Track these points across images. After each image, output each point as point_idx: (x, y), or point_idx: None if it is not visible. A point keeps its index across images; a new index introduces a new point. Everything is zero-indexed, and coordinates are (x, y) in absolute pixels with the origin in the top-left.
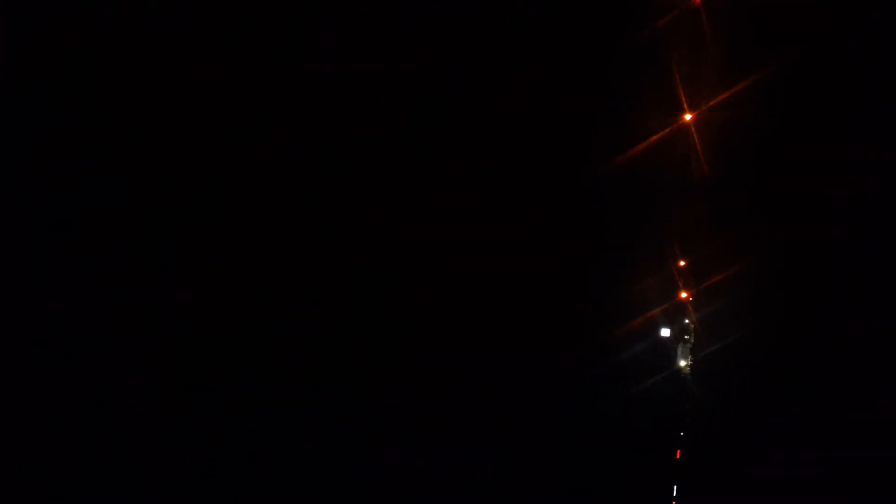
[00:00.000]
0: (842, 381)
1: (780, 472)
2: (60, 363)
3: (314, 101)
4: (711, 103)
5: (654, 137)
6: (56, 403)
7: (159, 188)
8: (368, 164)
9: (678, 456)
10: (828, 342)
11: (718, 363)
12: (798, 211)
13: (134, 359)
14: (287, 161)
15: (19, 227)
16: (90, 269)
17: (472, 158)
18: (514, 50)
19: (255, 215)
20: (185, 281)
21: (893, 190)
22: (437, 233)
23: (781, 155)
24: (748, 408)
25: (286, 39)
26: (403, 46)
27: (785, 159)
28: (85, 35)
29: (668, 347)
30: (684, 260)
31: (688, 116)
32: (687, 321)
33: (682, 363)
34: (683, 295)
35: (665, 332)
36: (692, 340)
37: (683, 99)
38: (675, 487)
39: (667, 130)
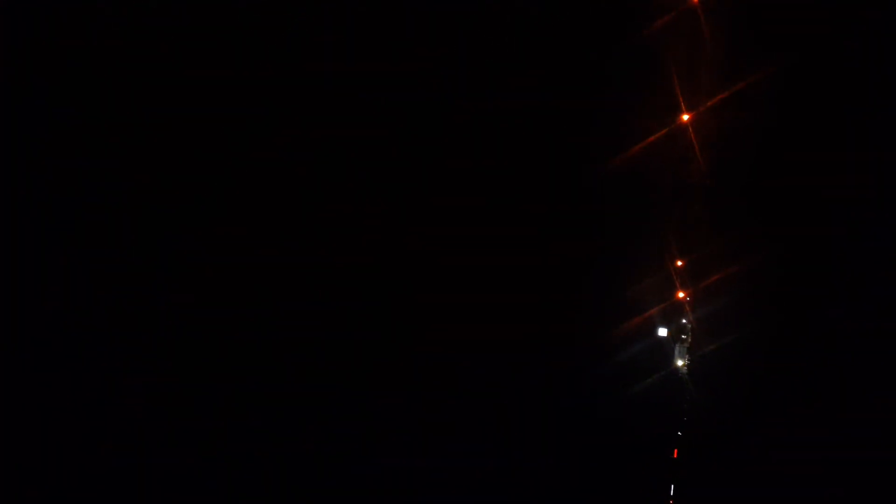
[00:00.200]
0: (840, 381)
1: (778, 471)
2: (60, 363)
3: (314, 101)
4: (709, 104)
5: (653, 138)
6: (56, 403)
7: (159, 188)
8: (368, 164)
9: (675, 455)
10: (826, 342)
11: (716, 363)
12: (796, 211)
13: (134, 359)
14: (287, 161)
15: (19, 227)
16: (90, 269)
17: (472, 158)
18: (514, 50)
19: (256, 215)
20: (185, 281)
21: (892, 190)
22: (437, 233)
23: (779, 155)
24: (746, 407)
25: (286, 39)
26: (403, 46)
27: (783, 159)
28: (85, 35)
29: (666, 347)
30: (682, 260)
31: (686, 117)
32: (684, 321)
33: (680, 363)
34: (681, 295)
35: (662, 332)
36: (689, 340)
37: (681, 99)
38: (673, 487)
39: (665, 131)
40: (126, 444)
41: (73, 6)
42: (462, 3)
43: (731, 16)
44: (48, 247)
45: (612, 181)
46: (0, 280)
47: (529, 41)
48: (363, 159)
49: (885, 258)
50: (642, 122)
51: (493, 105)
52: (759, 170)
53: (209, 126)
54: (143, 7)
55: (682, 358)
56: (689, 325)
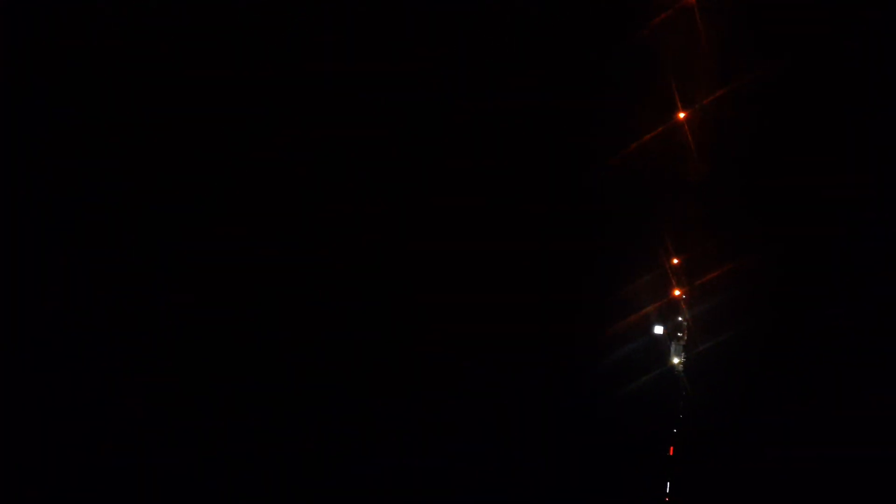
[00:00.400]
0: (838, 379)
1: (775, 469)
2: (60, 363)
3: (314, 101)
4: (705, 103)
5: (650, 136)
6: (56, 403)
7: (159, 188)
8: (368, 164)
9: (671, 453)
10: (823, 340)
11: (712, 361)
12: (793, 210)
13: (134, 359)
14: (287, 161)
15: (19, 227)
16: (90, 269)
17: (472, 158)
18: (514, 50)
19: (255, 215)
20: (185, 281)
21: (890, 190)
22: (437, 233)
23: (776, 154)
24: (742, 405)
25: (286, 39)
26: (403, 46)
27: (780, 159)
28: (85, 35)
29: (662, 345)
30: (678, 258)
31: (682, 115)
32: (680, 318)
33: (676, 361)
34: (677, 293)
35: (658, 330)
36: (685, 338)
37: (678, 98)
38: (669, 484)
39: (662, 129)
40: (126, 444)
41: (73, 6)
42: (462, 3)
43: (728, 14)
44: (48, 247)
45: (610, 180)
46: (0, 280)
47: (529, 41)
48: (363, 159)
49: (884, 257)
50: (638, 122)
51: (493, 105)
52: (756, 169)
53: (209, 126)
54: (143, 7)
55: (677, 356)
56: (685, 323)
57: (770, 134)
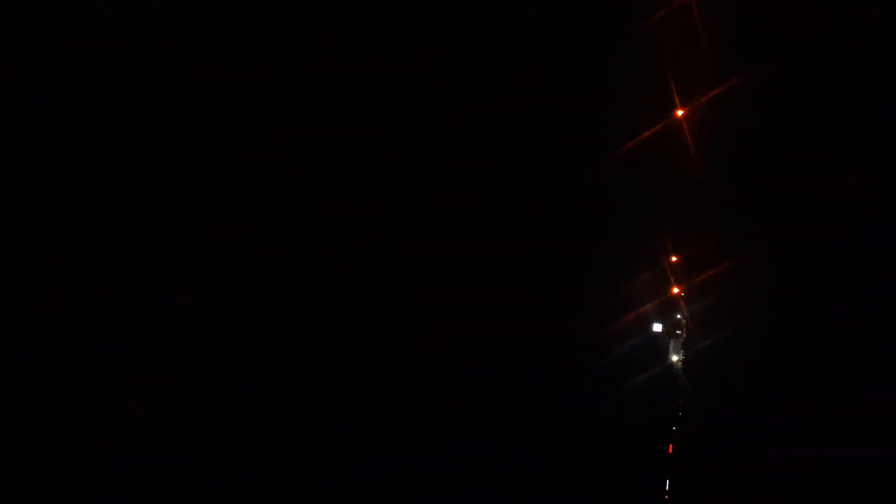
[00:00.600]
0: (837, 378)
1: (773, 468)
2: (60, 363)
3: (314, 101)
4: (704, 101)
5: (649, 135)
6: (56, 403)
7: (159, 188)
8: (368, 164)
9: (670, 451)
10: (822, 339)
11: (711, 359)
12: (791, 209)
13: (134, 359)
14: (287, 161)
15: (19, 227)
16: (90, 269)
17: (472, 158)
18: (514, 50)
19: (256, 215)
20: (185, 281)
21: (888, 189)
22: (437, 233)
23: (774, 153)
24: (742, 404)
25: (286, 39)
26: (403, 46)
27: (778, 157)
28: (85, 35)
29: (661, 343)
30: (677, 256)
31: (680, 114)
32: (679, 316)
33: (675, 358)
34: (675, 291)
35: (657, 328)
36: (684, 336)
37: (676, 97)
38: (668, 483)
39: (660, 128)
40: (126, 444)
41: (73, 6)
42: (462, 3)
43: (726, 13)
44: (48, 247)
45: (609, 179)
46: (0, 280)
47: (529, 41)
48: (363, 159)
49: (882, 256)
50: (636, 120)
51: (492, 105)
52: (753, 167)
53: (209, 126)
54: (143, 7)
55: (676, 354)
56: (684, 321)
57: (769, 133)
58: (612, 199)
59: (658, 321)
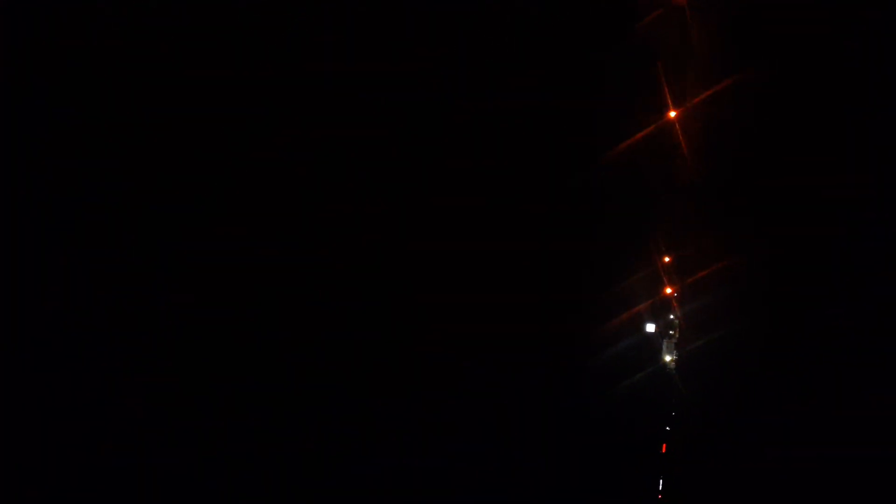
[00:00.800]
0: (831, 377)
1: (769, 467)
2: (60, 363)
3: (314, 101)
4: (700, 102)
5: (646, 136)
6: (56, 403)
7: (159, 188)
8: (368, 164)
9: (664, 450)
10: (818, 338)
11: (704, 359)
12: (787, 209)
13: (134, 359)
14: (287, 161)
15: (19, 227)
16: (90, 269)
17: (472, 158)
18: (514, 50)
19: (256, 215)
20: (185, 281)
21: (885, 188)
22: (437, 233)
23: (769, 154)
24: (735, 404)
25: (286, 39)
26: (403, 46)
27: (773, 158)
28: (85, 35)
29: (654, 343)
30: (671, 256)
31: (673, 114)
32: (672, 316)
33: (668, 358)
34: (668, 291)
35: (651, 328)
36: (677, 336)
37: (670, 99)
38: (661, 481)
39: (657, 129)
40: (126, 444)
41: (73, 6)
42: (462, 3)
43: (722, 15)
44: (48, 247)
45: (607, 180)
46: (0, 280)
47: (529, 42)
48: (363, 159)
49: (880, 256)
50: (632, 122)
51: (492, 105)
52: (747, 168)
53: (209, 126)
54: (143, 7)
55: (669, 354)
56: (677, 322)
57: (766, 134)
58: (608, 200)
59: (652, 321)
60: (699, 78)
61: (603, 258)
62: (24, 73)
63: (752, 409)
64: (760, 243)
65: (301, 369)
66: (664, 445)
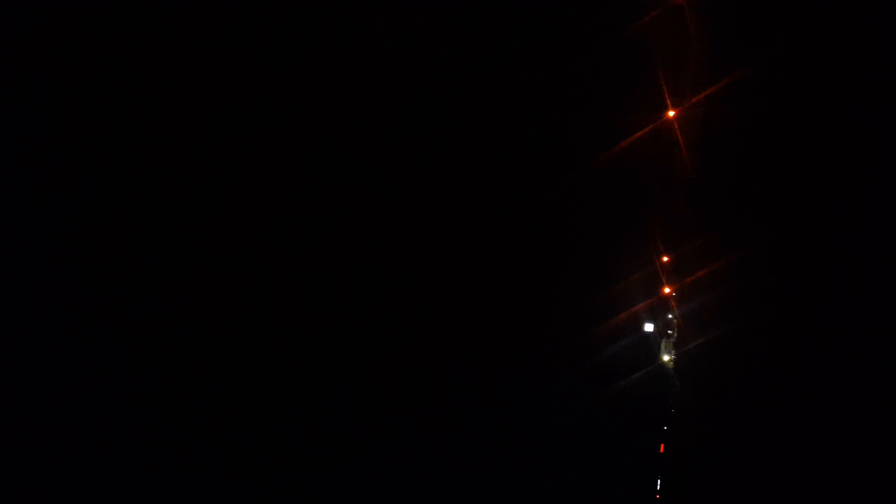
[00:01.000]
0: (827, 376)
1: (765, 466)
2: (60, 363)
3: (314, 100)
4: (697, 102)
5: (638, 135)
6: (56, 403)
7: (159, 188)
8: (368, 163)
9: (662, 450)
10: (815, 337)
11: (703, 358)
12: (783, 207)
13: (134, 359)
14: (287, 161)
15: (19, 226)
16: (90, 269)
17: (469, 158)
18: (512, 49)
19: (256, 215)
20: (185, 281)
21: (881, 186)
22: (437, 233)
23: (767, 152)
24: (735, 403)
25: (286, 39)
26: (403, 46)
27: (771, 156)
28: (85, 35)
29: (653, 342)
30: (669, 256)
31: (671, 114)
32: (670, 316)
33: (666, 358)
34: (667, 290)
35: (649, 328)
36: (675, 336)
37: (668, 98)
38: (659, 480)
39: (651, 129)
40: (126, 443)
41: (73, 6)
42: (462, 2)
43: (720, 12)
44: (48, 247)
45: (602, 179)
46: (0, 280)
47: (526, 39)
48: (363, 159)
49: (876, 255)
50: (628, 121)
51: (489, 104)
52: (744, 168)
53: (209, 126)
54: (143, 7)
55: (668, 353)
56: (675, 321)
57: (764, 131)
58: (606, 199)
59: (650, 321)
60: (694, 76)
61: (601, 258)
62: (24, 73)
63: (751, 408)
64: (759, 242)
65: (301, 369)
66: (662, 445)
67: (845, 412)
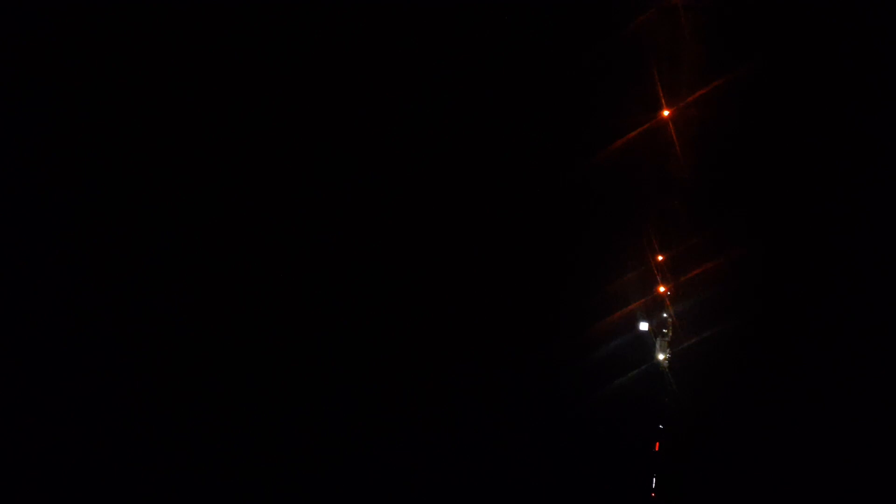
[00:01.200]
0: (828, 375)
1: (761, 465)
2: (60, 363)
3: (314, 100)
4: (691, 101)
5: (634, 134)
6: (56, 403)
7: (159, 188)
8: (368, 163)
9: (657, 448)
10: (811, 337)
11: (698, 357)
12: (779, 207)
13: (134, 359)
14: (287, 161)
15: (19, 226)
16: (90, 269)
17: (465, 157)
18: (508, 48)
19: (255, 215)
20: (185, 281)
21: (873, 188)
22: (437, 233)
23: (762, 151)
24: (728, 402)
25: (286, 39)
26: (403, 46)
27: (766, 156)
28: (85, 35)
29: (647, 342)
30: (664, 254)
31: (667, 113)
32: (665, 315)
33: (661, 357)
34: (662, 289)
35: (644, 327)
36: (670, 335)
37: (663, 97)
38: (654, 479)
39: (646, 127)
40: (126, 444)
41: (73, 6)
42: (462, 2)
43: (715, 12)
44: (48, 247)
45: (597, 178)
46: (0, 280)
47: (522, 39)
48: (363, 159)
49: (874, 254)
50: (623, 120)
51: (485, 103)
52: (739, 166)
53: (209, 126)
54: (143, 7)
55: (663, 352)
56: (670, 320)
57: (759, 131)
58: (601, 199)
59: (645, 320)
60: (690, 75)
61: (596, 257)
62: (24, 73)
63: (747, 408)
64: (754, 241)
65: (300, 369)
66: (657, 444)
67: (845, 412)
